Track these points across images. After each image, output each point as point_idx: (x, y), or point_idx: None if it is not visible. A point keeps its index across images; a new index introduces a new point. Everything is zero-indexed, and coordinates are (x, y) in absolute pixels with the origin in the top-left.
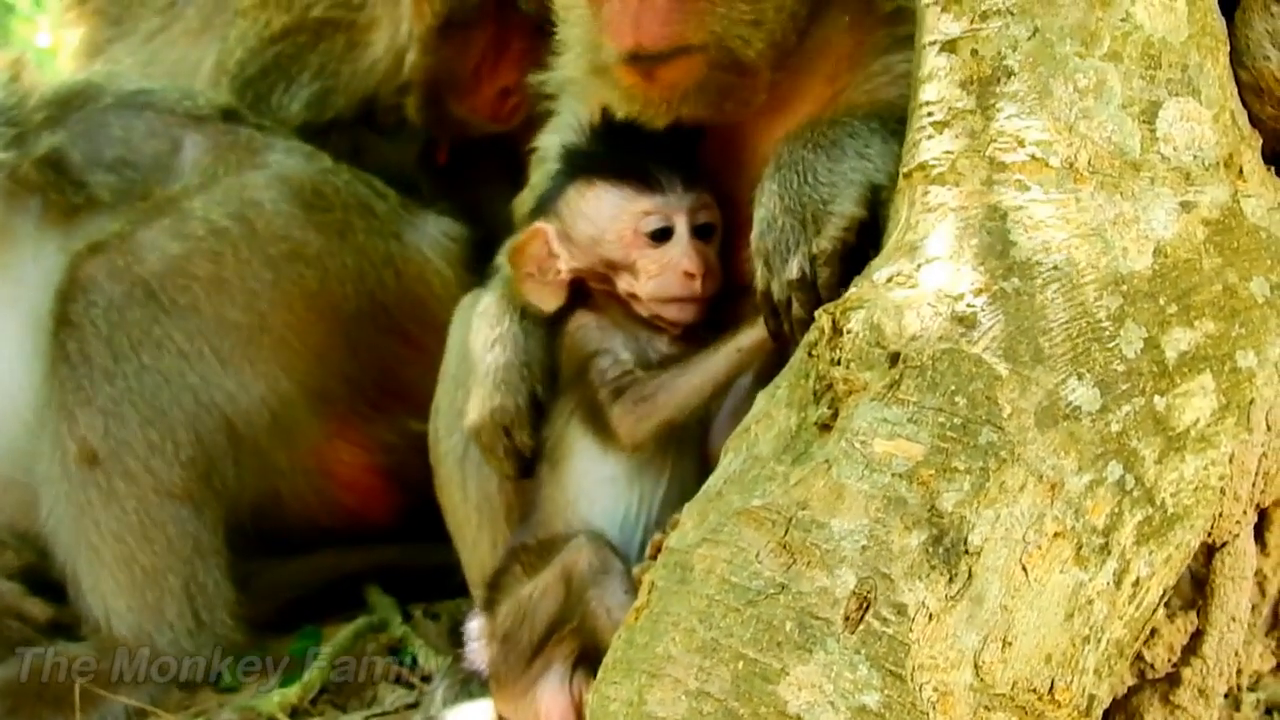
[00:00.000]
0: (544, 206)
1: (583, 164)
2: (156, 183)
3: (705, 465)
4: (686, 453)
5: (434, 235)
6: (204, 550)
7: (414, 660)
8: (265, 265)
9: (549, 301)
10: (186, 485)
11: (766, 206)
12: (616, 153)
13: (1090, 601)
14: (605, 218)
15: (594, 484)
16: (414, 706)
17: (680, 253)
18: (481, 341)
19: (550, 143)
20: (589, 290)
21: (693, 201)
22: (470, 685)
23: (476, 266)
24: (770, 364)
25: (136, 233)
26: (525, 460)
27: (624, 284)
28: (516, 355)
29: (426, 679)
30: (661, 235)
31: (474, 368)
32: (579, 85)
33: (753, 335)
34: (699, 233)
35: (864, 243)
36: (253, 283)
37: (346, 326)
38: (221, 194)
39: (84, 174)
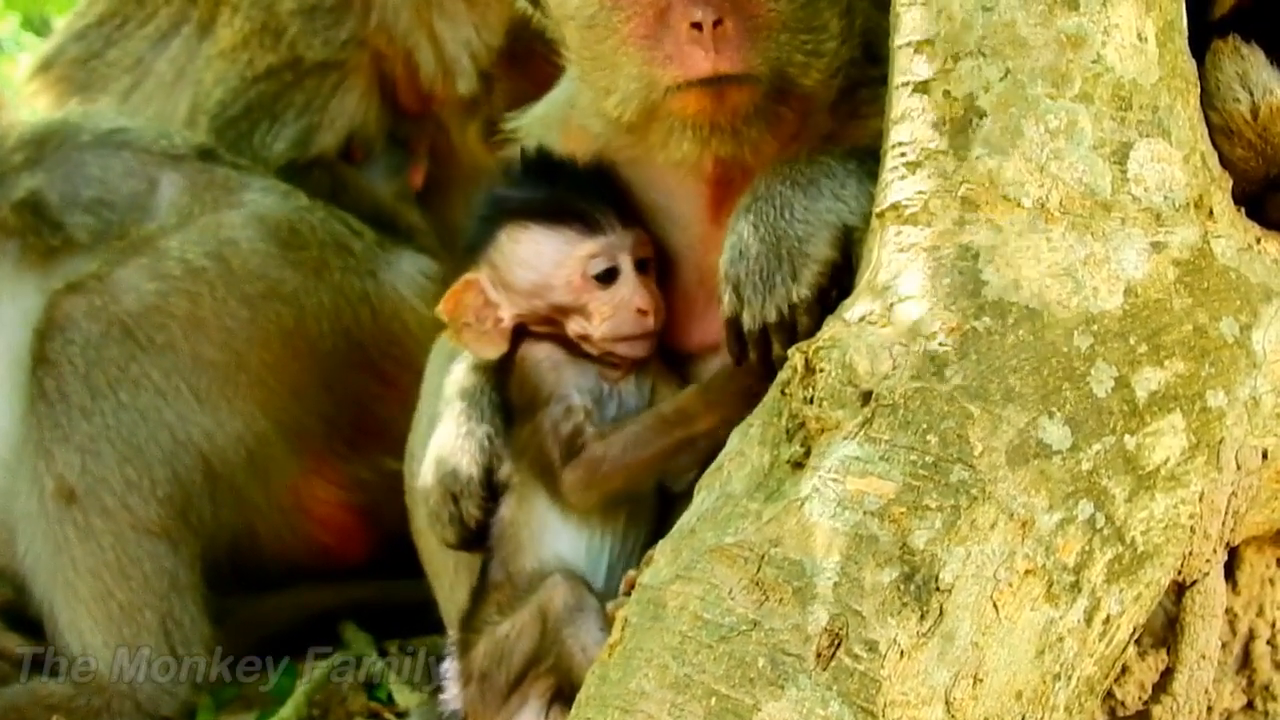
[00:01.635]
0: (473, 254)
1: (511, 208)
2: (133, 222)
3: (665, 494)
4: None
5: (410, 273)
6: (181, 586)
7: (389, 696)
8: (242, 304)
9: (490, 350)
10: (163, 522)
11: (740, 235)
12: (547, 194)
13: (1061, 639)
14: (549, 263)
15: (555, 518)
16: None
17: (630, 291)
18: (446, 404)
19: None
20: (531, 332)
21: (632, 238)
22: None
23: None
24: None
25: (114, 272)
26: (469, 531)
27: (575, 326)
28: (478, 424)
29: (403, 715)
30: (608, 276)
31: (438, 428)
32: (547, 129)
33: (702, 423)
34: (639, 267)
35: (833, 283)
36: (229, 321)
37: (322, 364)
38: (198, 233)
39: (61, 215)
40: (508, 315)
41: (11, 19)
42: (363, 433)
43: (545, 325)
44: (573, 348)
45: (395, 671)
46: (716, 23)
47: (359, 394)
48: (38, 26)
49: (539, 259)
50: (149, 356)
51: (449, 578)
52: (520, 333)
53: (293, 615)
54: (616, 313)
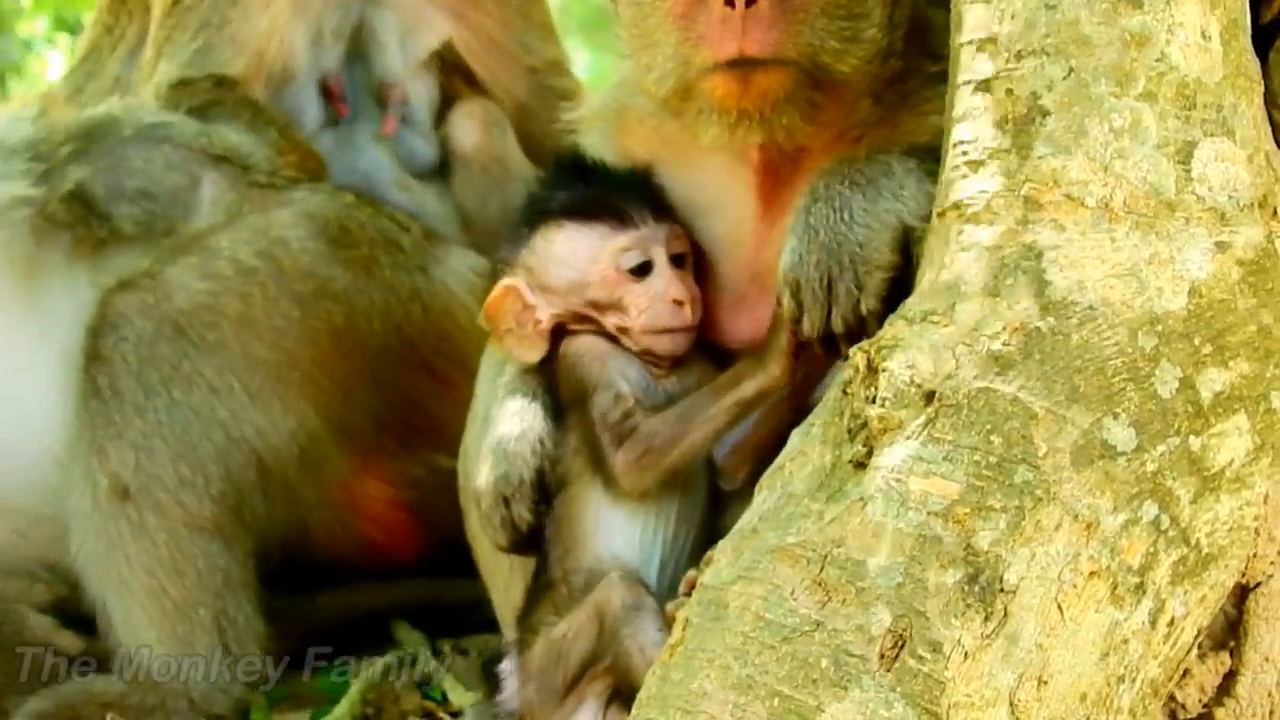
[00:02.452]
0: (507, 260)
1: (543, 209)
2: (177, 217)
3: (716, 494)
4: (695, 475)
5: (459, 270)
6: (234, 584)
7: (444, 695)
8: (292, 302)
9: (532, 353)
10: (217, 519)
11: (800, 238)
12: (579, 192)
13: (1125, 641)
14: (583, 260)
15: (608, 514)
16: None
17: (665, 283)
18: (499, 407)
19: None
20: (571, 330)
21: (666, 232)
22: None
23: None
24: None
25: (165, 270)
26: (520, 534)
27: (612, 321)
28: (531, 428)
29: (456, 715)
30: (643, 269)
31: (490, 431)
32: (605, 122)
33: (755, 384)
34: (675, 262)
35: (895, 284)
36: (280, 320)
37: (373, 362)
38: (248, 232)
39: (108, 207)
40: (546, 316)
41: (42, 18)
42: (414, 430)
43: (584, 324)
44: (615, 340)
45: (449, 670)
46: (750, 2)
47: (410, 391)
48: (71, 25)
49: (573, 256)
50: (201, 354)
51: (503, 577)
52: (559, 333)
53: (345, 613)
54: (652, 305)
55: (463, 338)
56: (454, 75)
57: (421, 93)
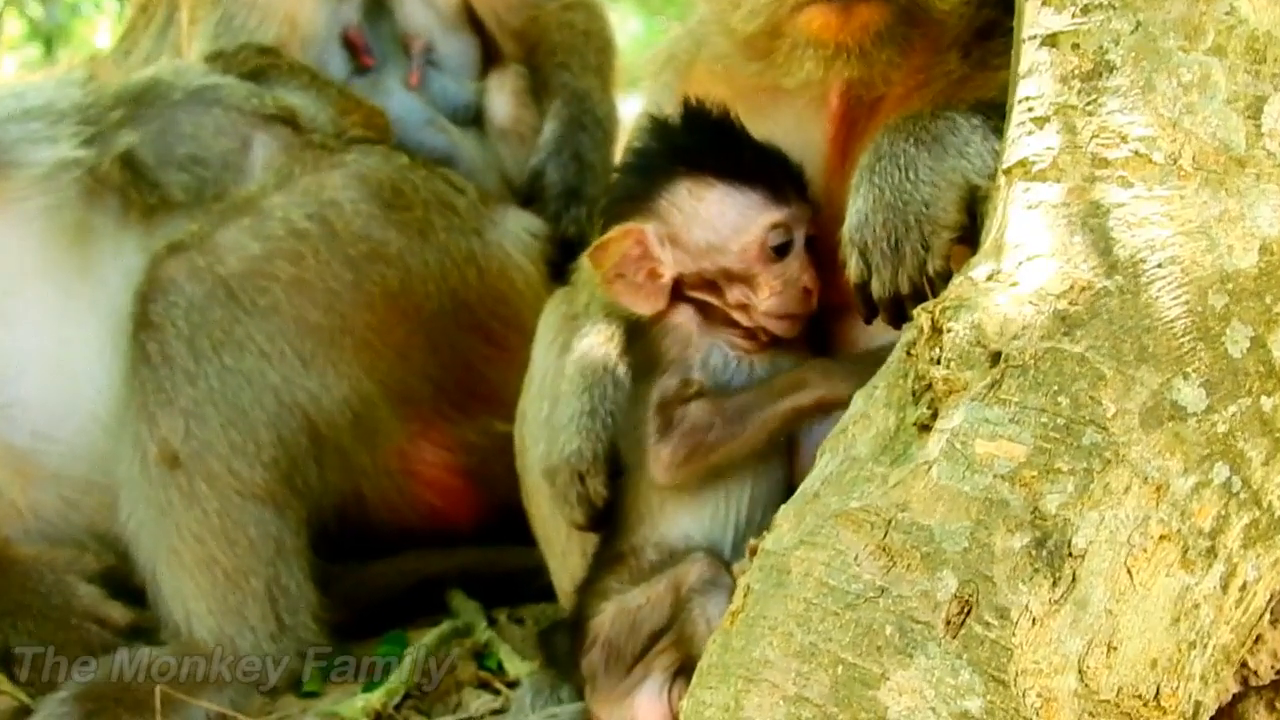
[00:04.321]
0: (637, 202)
1: (693, 162)
2: (229, 181)
3: (793, 465)
4: (774, 451)
5: (515, 231)
6: (286, 552)
7: (499, 665)
8: (346, 266)
9: (645, 304)
10: (269, 486)
11: (865, 198)
12: (735, 153)
13: (1197, 606)
14: (730, 227)
15: (676, 492)
16: (500, 712)
17: (800, 268)
18: (571, 380)
19: (646, 113)
20: (684, 292)
21: (807, 213)
22: (559, 691)
23: (560, 264)
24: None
25: (216, 233)
26: (596, 510)
27: (737, 295)
28: (603, 403)
29: (512, 684)
30: (783, 250)
31: (560, 405)
32: (670, 72)
33: (816, 394)
34: (807, 245)
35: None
36: (333, 283)
37: (428, 326)
38: (300, 194)
39: (157, 172)
40: (669, 273)
41: None
42: (470, 395)
43: (702, 290)
44: (711, 315)
45: (505, 640)
46: None
47: (466, 356)
48: None
49: (721, 220)
50: (253, 319)
51: (560, 544)
52: (675, 292)
53: (400, 582)
54: (785, 289)
55: (519, 300)
56: (483, 32)
57: (451, 45)
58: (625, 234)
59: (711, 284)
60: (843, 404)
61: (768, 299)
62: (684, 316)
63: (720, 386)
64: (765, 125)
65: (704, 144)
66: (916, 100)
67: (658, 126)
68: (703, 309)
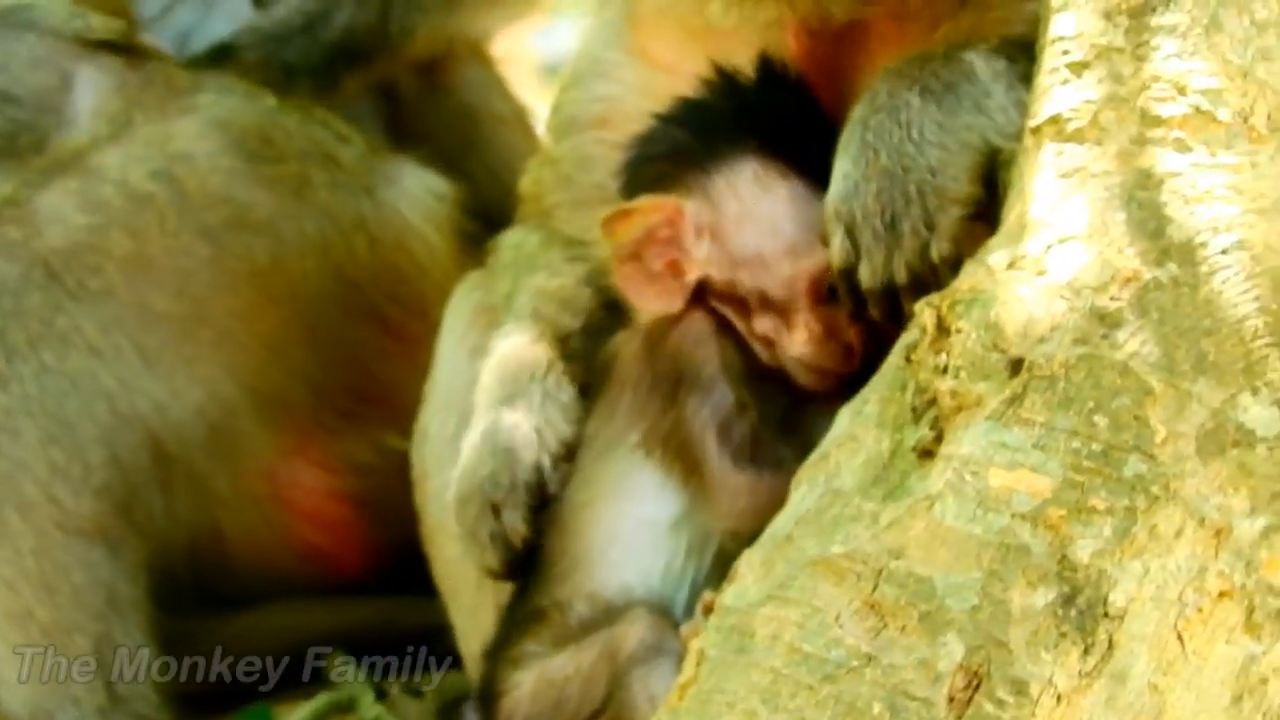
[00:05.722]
0: (685, 168)
1: (768, 142)
2: (49, 127)
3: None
4: None
5: (415, 191)
6: (121, 604)
7: None
8: (200, 237)
9: (656, 303)
10: (99, 519)
11: (855, 162)
12: (825, 146)
13: (1265, 680)
14: (787, 241)
15: (632, 528)
16: None
17: (850, 319)
18: (488, 390)
19: (585, 58)
20: (704, 298)
21: None
22: None
23: (472, 233)
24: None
25: (34, 198)
26: (514, 552)
27: (764, 326)
28: (527, 419)
29: None
30: (835, 293)
31: (474, 420)
32: (615, 10)
33: None
34: None
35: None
36: (185, 259)
37: (307, 312)
38: (141, 147)
39: None
40: (695, 272)
41: None
42: (360, 400)
43: (727, 303)
44: (727, 333)
45: (397, 717)
46: None
47: (354, 350)
48: None
49: (782, 228)
50: (80, 306)
51: (469, 596)
52: (699, 295)
53: (266, 642)
54: (826, 339)
55: (421, 279)
56: None
57: None
58: (659, 208)
59: (741, 301)
60: None
61: (800, 346)
62: (705, 324)
63: (768, 409)
64: None
65: (789, 121)
66: (912, 35)
67: (725, 80)
68: (721, 323)
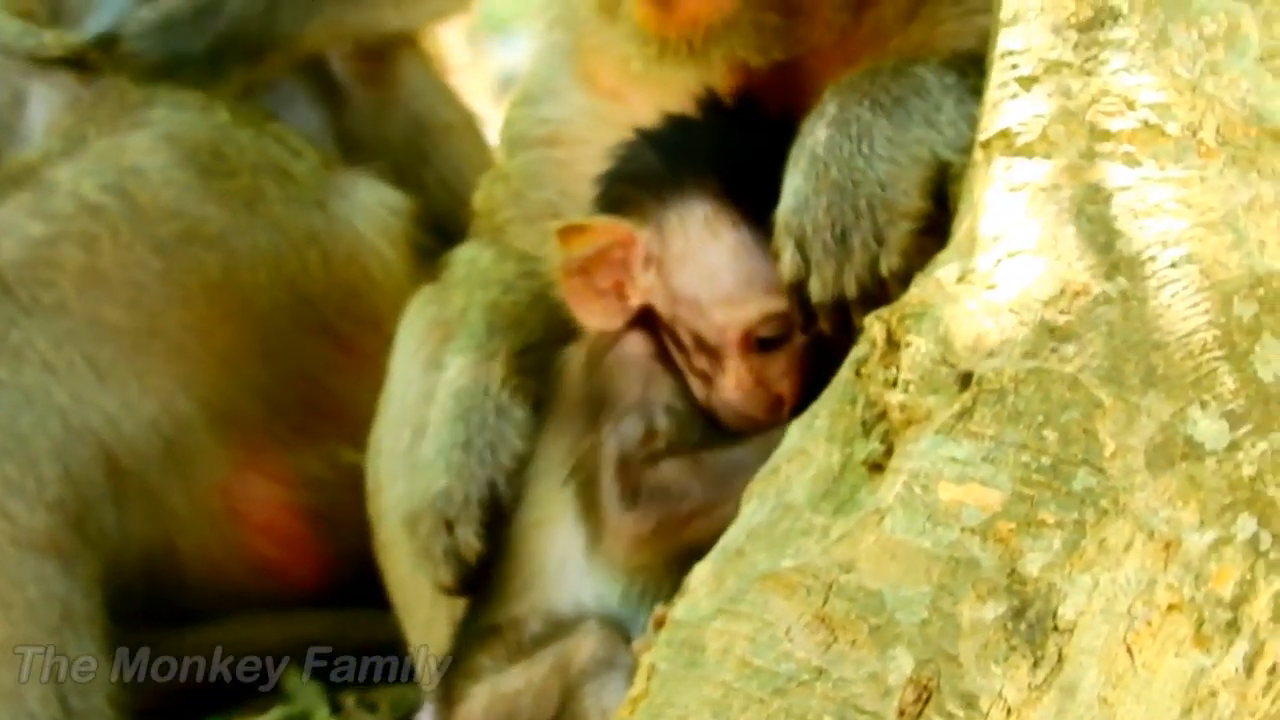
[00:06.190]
0: (649, 195)
1: (727, 185)
2: (1, 143)
3: None
4: None
5: (369, 205)
6: (75, 618)
7: None
8: (153, 251)
9: (597, 318)
10: (53, 534)
11: (806, 176)
12: (766, 192)
13: (1214, 693)
14: (724, 292)
15: (586, 554)
16: None
17: (782, 373)
18: (443, 405)
19: (535, 79)
20: (649, 326)
21: None
22: None
23: (426, 247)
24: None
25: None
26: (468, 568)
27: (701, 363)
28: (481, 434)
29: None
30: (771, 345)
31: (427, 435)
32: (565, 30)
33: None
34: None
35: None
36: (137, 273)
37: (260, 326)
38: (93, 161)
39: None
40: (639, 296)
41: None
42: (314, 414)
43: (668, 333)
44: (669, 354)
45: None
46: None
47: (308, 363)
48: None
49: (718, 277)
50: (33, 320)
51: (424, 610)
52: (642, 318)
53: (221, 656)
54: (754, 390)
55: (374, 293)
56: None
57: None
58: (614, 231)
59: (674, 335)
60: None
61: (727, 392)
62: (641, 347)
63: (681, 443)
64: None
65: (752, 167)
66: (854, 47)
67: (707, 107)
68: (662, 349)
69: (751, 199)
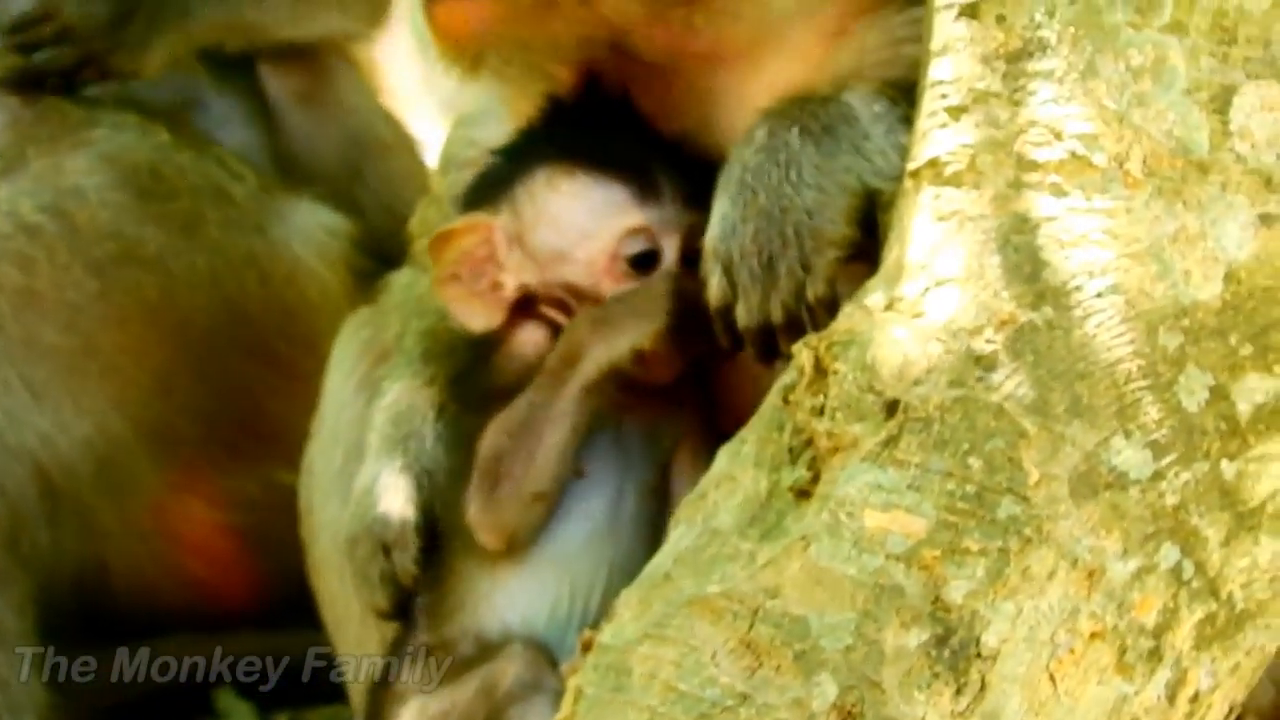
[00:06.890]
0: (492, 191)
1: (558, 145)
2: None
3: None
4: (641, 528)
5: (307, 228)
6: (7, 638)
7: None
8: (90, 271)
9: (478, 319)
10: None
11: (734, 202)
12: (605, 136)
13: None
14: (576, 228)
15: (516, 571)
16: None
17: None
18: (380, 430)
19: (469, 101)
20: (537, 310)
21: (689, 223)
22: None
23: (363, 270)
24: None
25: None
26: (404, 593)
27: None
28: (419, 459)
29: None
30: (644, 262)
31: (364, 460)
32: None
33: (600, 355)
34: (687, 263)
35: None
36: (74, 294)
37: (196, 347)
38: (32, 181)
39: None
40: (512, 282)
41: None
42: (249, 436)
43: (555, 308)
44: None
45: None
46: None
47: (244, 385)
48: None
49: (569, 218)
50: None
51: (355, 629)
52: (525, 308)
53: (154, 677)
54: None
55: (312, 315)
56: None
57: None
58: (470, 228)
59: (562, 304)
60: (629, 359)
61: None
62: (533, 341)
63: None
64: None
65: (583, 125)
66: (763, 55)
67: (550, 103)
68: (554, 325)
69: (587, 151)
